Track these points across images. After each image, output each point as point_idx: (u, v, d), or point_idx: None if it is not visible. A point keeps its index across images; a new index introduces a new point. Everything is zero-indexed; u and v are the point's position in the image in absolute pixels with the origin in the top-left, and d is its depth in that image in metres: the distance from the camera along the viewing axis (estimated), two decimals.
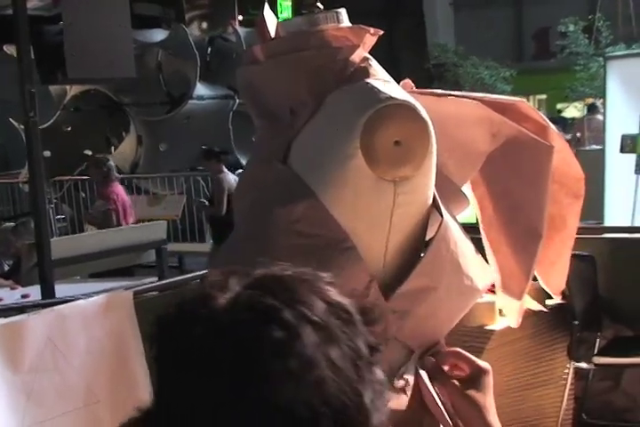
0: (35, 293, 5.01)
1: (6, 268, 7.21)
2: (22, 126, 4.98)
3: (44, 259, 4.67)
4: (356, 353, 0.77)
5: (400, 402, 1.32)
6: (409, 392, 1.33)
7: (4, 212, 12.02)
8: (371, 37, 1.39)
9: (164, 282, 3.69)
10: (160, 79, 13.62)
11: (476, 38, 20.45)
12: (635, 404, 4.35)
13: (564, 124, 15.04)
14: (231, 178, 8.31)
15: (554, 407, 4.05)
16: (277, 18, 1.51)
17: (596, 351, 4.28)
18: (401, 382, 1.32)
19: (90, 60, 4.65)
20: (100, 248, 6.64)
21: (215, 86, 13.24)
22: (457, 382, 1.29)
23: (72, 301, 2.91)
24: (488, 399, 1.27)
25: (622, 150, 8.07)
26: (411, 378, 1.34)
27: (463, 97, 1.58)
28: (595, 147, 11.39)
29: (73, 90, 13.20)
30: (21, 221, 7.80)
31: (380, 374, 0.79)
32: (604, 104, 9.17)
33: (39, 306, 3.66)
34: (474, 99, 1.58)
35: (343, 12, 1.44)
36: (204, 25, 16.30)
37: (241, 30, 13.28)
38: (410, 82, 1.51)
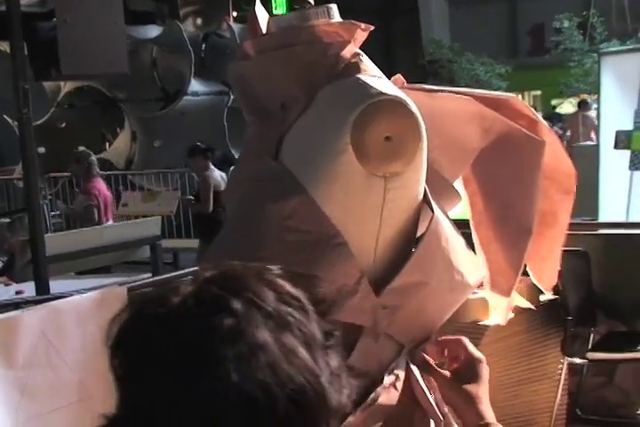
0: (29, 289, 5.00)
1: (0, 264, 7.20)
2: (16, 123, 4.97)
3: (39, 255, 4.66)
4: (308, 337, 0.78)
5: (391, 397, 1.32)
6: (400, 387, 1.33)
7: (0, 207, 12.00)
8: (362, 33, 1.39)
9: (157, 278, 3.70)
10: (154, 75, 13.60)
11: (471, 34, 20.44)
12: (628, 399, 4.36)
13: (558, 120, 15.05)
14: (217, 175, 8.29)
15: (547, 403, 4.06)
16: (272, 14, 1.51)
17: (589, 347, 4.29)
18: (391, 378, 1.32)
19: (83, 56, 4.63)
20: (95, 244, 6.63)
21: (210, 82, 13.22)
22: (448, 373, 1.29)
23: (66, 297, 2.91)
24: (481, 389, 1.27)
25: (616, 146, 8.07)
26: (401, 373, 1.34)
27: (455, 93, 1.58)
28: (590, 143, 11.41)
29: (67, 86, 13.16)
30: (16, 217, 7.77)
31: (337, 358, 0.81)
32: (598, 100, 9.17)
33: (33, 302, 3.65)
34: (465, 94, 1.58)
35: (334, 7, 1.43)
36: (199, 21, 16.28)
37: (235, 26, 13.26)
38: (401, 77, 1.51)
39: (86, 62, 4.69)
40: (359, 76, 1.35)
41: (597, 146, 8.64)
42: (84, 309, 2.75)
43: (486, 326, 3.57)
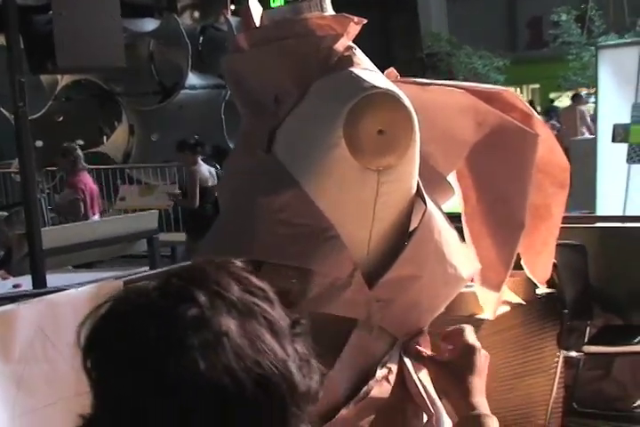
0: (26, 283, 5.00)
1: None
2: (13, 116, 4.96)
3: (35, 249, 4.67)
4: (274, 325, 0.79)
5: (383, 390, 1.32)
6: (392, 380, 1.34)
7: None
8: (354, 26, 1.39)
9: (154, 272, 3.70)
10: (152, 69, 13.59)
11: (469, 27, 20.41)
12: (625, 392, 4.37)
13: (557, 113, 15.05)
14: (205, 170, 8.28)
15: (544, 396, 4.06)
16: (270, 7, 1.51)
17: (586, 340, 4.29)
18: (384, 371, 1.32)
19: (80, 49, 4.63)
20: (92, 238, 6.62)
21: (207, 76, 13.21)
22: (442, 363, 1.29)
23: (64, 290, 2.91)
24: (476, 379, 1.25)
25: (614, 140, 8.08)
26: (394, 366, 1.34)
27: (448, 86, 1.58)
28: (588, 136, 11.40)
29: (64, 79, 13.14)
30: (14, 210, 7.77)
31: (305, 345, 0.82)
32: (595, 94, 9.16)
33: (30, 296, 3.65)
34: (458, 88, 1.58)
35: (327, 0, 1.43)
36: (196, 14, 16.26)
37: (233, 20, 13.09)
38: (394, 71, 1.51)
39: (82, 56, 4.68)
40: (352, 69, 1.34)
41: (595, 140, 8.65)
42: (80, 302, 2.75)
43: (483, 320, 3.56)
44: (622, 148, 8.03)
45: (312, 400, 0.80)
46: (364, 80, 1.30)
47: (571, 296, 4.17)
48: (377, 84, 1.30)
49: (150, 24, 13.75)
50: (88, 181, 8.08)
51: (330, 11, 1.43)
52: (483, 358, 1.29)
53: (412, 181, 1.36)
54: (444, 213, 1.47)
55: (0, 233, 7.26)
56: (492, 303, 1.66)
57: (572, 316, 4.13)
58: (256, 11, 1.49)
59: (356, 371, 1.32)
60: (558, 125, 13.41)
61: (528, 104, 1.66)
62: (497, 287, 1.62)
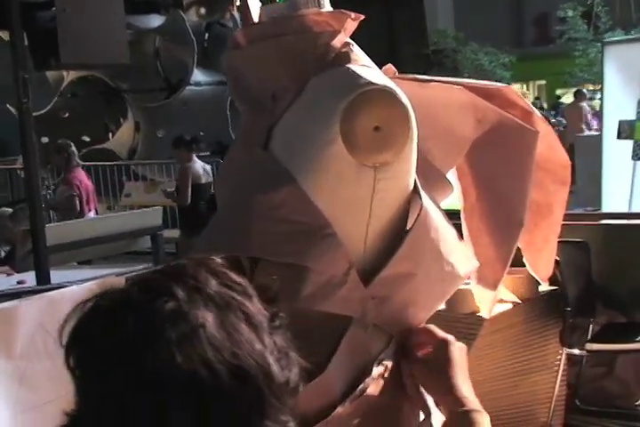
0: (31, 279, 5.02)
1: (3, 254, 7.21)
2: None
3: (39, 245, 4.68)
4: (251, 317, 0.80)
5: (379, 388, 1.32)
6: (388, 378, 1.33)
7: (3, 197, 12.01)
8: (352, 22, 1.38)
9: (155, 268, 3.70)
10: (157, 65, 13.59)
11: (475, 24, 20.39)
12: (628, 390, 4.36)
13: (562, 110, 15.05)
14: (199, 166, 8.30)
15: (546, 394, 4.06)
16: (272, 2, 1.50)
17: (589, 337, 4.29)
18: (380, 368, 1.32)
19: (83, 45, 4.64)
20: (96, 234, 6.64)
21: (212, 72, 13.21)
22: (422, 361, 1.28)
23: (65, 287, 2.92)
24: (457, 372, 1.24)
25: (619, 136, 8.07)
26: (390, 364, 1.34)
27: (447, 83, 1.57)
28: (593, 133, 11.39)
29: (70, 76, 13.17)
30: (19, 207, 7.78)
31: (284, 337, 0.82)
32: (601, 90, 9.14)
33: (33, 292, 3.66)
34: (458, 85, 1.57)
35: None
36: (202, 10, 16.22)
37: (238, 16, 13.22)
38: (392, 67, 1.51)
39: (86, 52, 4.70)
40: (349, 65, 1.34)
41: (600, 136, 8.64)
42: (81, 299, 2.75)
43: (485, 318, 3.57)
44: (628, 144, 8.02)
45: (292, 392, 0.81)
46: (360, 77, 1.30)
47: (573, 294, 4.17)
48: (374, 80, 1.29)
49: (156, 20, 13.76)
50: (83, 177, 8.10)
51: (327, 7, 1.42)
52: (458, 350, 1.28)
53: (409, 178, 1.36)
54: (442, 210, 1.46)
55: (5, 229, 7.27)
56: (488, 302, 1.65)
57: (574, 313, 4.13)
58: (255, 6, 1.49)
59: (352, 368, 1.31)
60: (564, 122, 13.42)
61: (527, 101, 1.66)
62: (493, 286, 1.61)
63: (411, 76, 1.53)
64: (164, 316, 0.77)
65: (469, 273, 1.48)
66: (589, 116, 12.77)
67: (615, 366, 4.37)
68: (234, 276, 0.84)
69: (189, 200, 8.09)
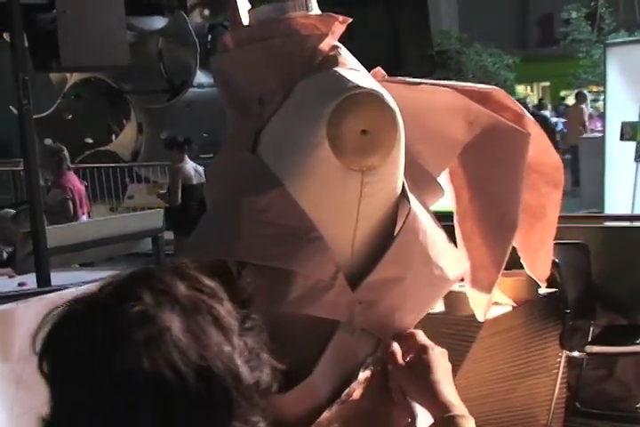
0: (32, 281, 5.02)
1: (5, 255, 7.22)
2: None
3: (40, 247, 4.68)
4: (220, 320, 0.81)
5: (365, 393, 1.31)
6: (376, 382, 1.32)
7: (6, 199, 12.02)
8: (339, 25, 1.38)
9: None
10: (160, 67, 13.61)
11: (479, 25, 20.38)
12: (629, 392, 4.35)
13: (565, 111, 15.06)
14: (190, 168, 8.35)
15: (546, 396, 4.05)
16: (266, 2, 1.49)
17: (589, 340, 4.28)
18: (367, 373, 1.31)
19: (84, 47, 4.65)
20: (97, 236, 6.64)
21: None
22: (404, 367, 1.28)
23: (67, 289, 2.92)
24: (439, 377, 1.23)
25: (622, 138, 8.07)
26: (377, 368, 1.33)
27: (438, 86, 1.56)
28: (596, 135, 11.38)
29: (73, 77, 13.20)
30: (21, 208, 7.79)
31: (255, 338, 0.83)
32: (604, 92, 9.14)
33: (32, 295, 3.66)
34: (449, 87, 1.56)
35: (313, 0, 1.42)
36: (206, 12, 16.24)
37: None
38: (381, 71, 1.50)
39: (86, 54, 4.70)
40: (336, 69, 1.33)
41: (603, 138, 8.64)
42: None
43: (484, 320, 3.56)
44: (630, 146, 8.02)
45: (264, 393, 0.81)
46: (347, 80, 1.29)
47: (573, 296, 4.16)
48: (361, 83, 1.29)
49: (159, 22, 13.78)
50: (75, 181, 8.12)
51: (316, 10, 1.42)
52: (438, 355, 1.28)
53: (397, 181, 1.35)
54: (431, 213, 1.46)
55: (7, 231, 7.28)
56: (483, 305, 1.64)
57: (574, 315, 4.12)
58: (244, 9, 1.48)
59: (339, 373, 1.31)
60: (562, 123, 13.46)
61: (518, 103, 1.65)
62: (488, 289, 1.60)
63: (399, 78, 1.53)
64: (131, 319, 0.77)
65: (459, 277, 1.48)
66: (586, 118, 12.79)
67: (616, 368, 4.36)
68: (204, 279, 0.84)
69: (180, 201, 8.14)
